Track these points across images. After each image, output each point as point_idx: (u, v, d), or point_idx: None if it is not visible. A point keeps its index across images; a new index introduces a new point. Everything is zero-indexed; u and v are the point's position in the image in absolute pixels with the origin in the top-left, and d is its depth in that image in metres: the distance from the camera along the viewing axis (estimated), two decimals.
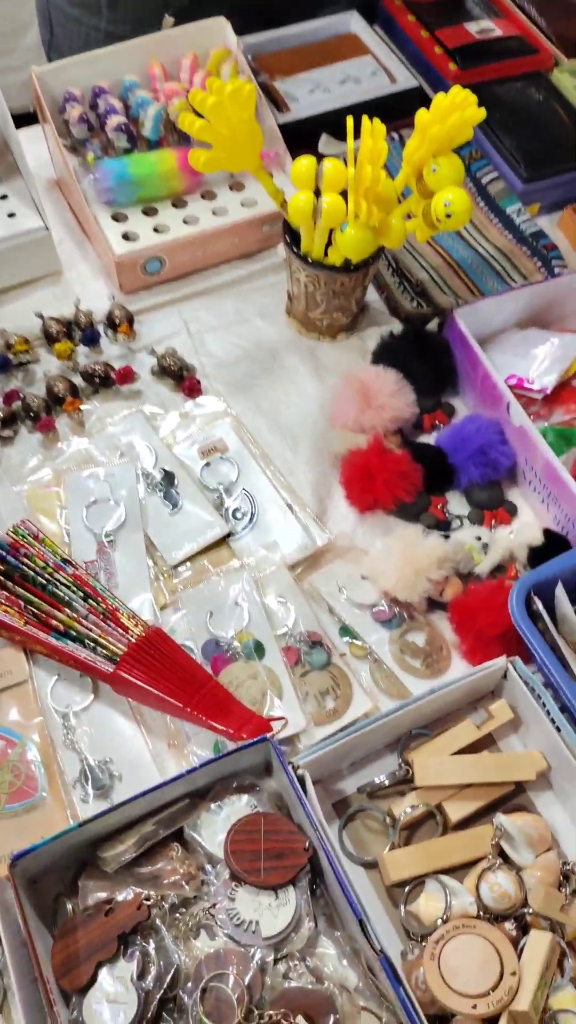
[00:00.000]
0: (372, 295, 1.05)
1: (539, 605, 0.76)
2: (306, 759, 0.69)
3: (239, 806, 0.69)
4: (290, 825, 0.67)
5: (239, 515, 0.89)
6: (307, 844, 0.66)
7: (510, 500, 0.91)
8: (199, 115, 0.85)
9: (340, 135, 1.13)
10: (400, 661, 0.79)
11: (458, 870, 0.69)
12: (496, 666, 0.74)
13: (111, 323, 0.99)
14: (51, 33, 1.34)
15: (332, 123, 1.12)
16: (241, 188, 1.07)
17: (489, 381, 0.91)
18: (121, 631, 0.78)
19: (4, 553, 0.82)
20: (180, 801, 0.70)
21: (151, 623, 0.80)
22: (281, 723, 0.73)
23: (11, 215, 1.01)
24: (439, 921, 0.66)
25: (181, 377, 0.97)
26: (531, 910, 0.66)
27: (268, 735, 0.69)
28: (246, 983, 0.61)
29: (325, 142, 1.12)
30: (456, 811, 0.71)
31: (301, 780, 0.68)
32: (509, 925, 0.66)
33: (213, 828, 0.68)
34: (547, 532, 0.85)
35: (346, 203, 0.86)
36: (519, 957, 0.64)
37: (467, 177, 1.13)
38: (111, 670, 0.76)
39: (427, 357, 0.96)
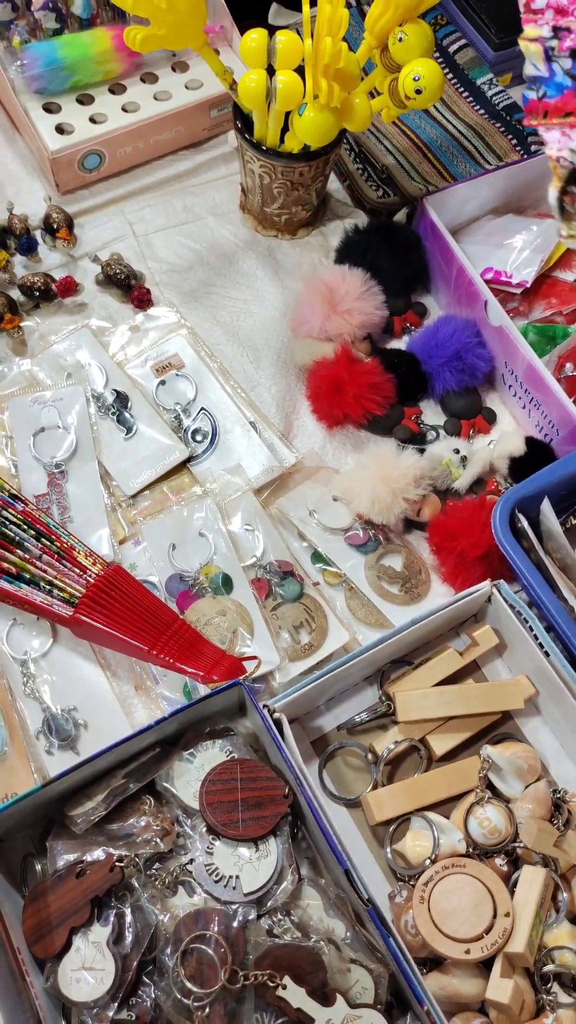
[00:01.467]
0: (334, 184, 0.93)
1: (523, 522, 0.68)
2: (282, 701, 0.62)
3: (213, 752, 0.63)
4: (267, 771, 0.61)
5: (199, 437, 0.79)
6: (286, 791, 0.60)
7: (488, 407, 0.82)
8: None
9: (292, 4, 0.98)
10: (377, 587, 0.72)
11: (445, 805, 0.64)
12: (480, 591, 0.67)
13: (49, 228, 0.86)
14: None
15: None
16: (185, 69, 0.93)
17: (464, 277, 0.80)
18: (78, 571, 0.70)
19: None
20: (150, 751, 0.63)
21: (110, 560, 0.72)
22: (254, 663, 0.66)
23: None
24: (427, 861, 0.60)
25: (129, 286, 0.86)
26: (523, 844, 0.61)
27: (240, 678, 0.62)
28: (228, 943, 0.55)
29: (275, 12, 0.97)
30: (441, 745, 0.65)
31: (277, 723, 0.61)
32: (500, 860, 0.61)
33: (187, 778, 0.61)
34: (529, 440, 0.76)
35: (303, 82, 0.73)
36: (512, 895, 0.59)
37: None
38: (70, 613, 0.68)
39: (395, 252, 0.84)
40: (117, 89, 0.91)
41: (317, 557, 0.73)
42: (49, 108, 0.89)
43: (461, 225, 0.88)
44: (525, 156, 0.91)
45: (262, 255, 0.89)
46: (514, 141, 0.93)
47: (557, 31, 0.57)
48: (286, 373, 0.83)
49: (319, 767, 0.65)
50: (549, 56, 0.57)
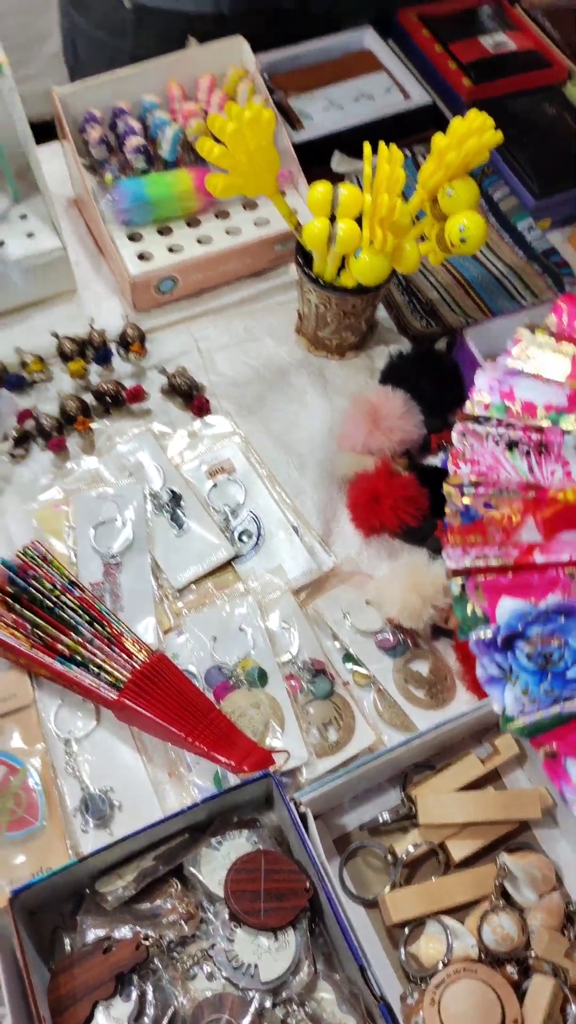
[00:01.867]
0: (381, 312, 1.00)
1: None
2: (308, 796, 0.65)
3: (239, 842, 0.65)
4: (290, 864, 0.63)
5: (245, 537, 0.84)
6: (308, 885, 0.62)
7: None
8: (218, 140, 0.80)
9: (353, 153, 1.08)
10: (404, 691, 0.75)
11: (460, 910, 0.65)
12: None
13: (124, 342, 0.94)
14: (75, 58, 1.30)
15: (346, 141, 1.06)
16: (254, 207, 1.02)
17: None
18: (125, 656, 0.74)
19: (13, 575, 0.78)
20: (180, 836, 0.66)
21: (155, 647, 0.76)
22: (283, 756, 0.69)
23: (30, 235, 0.96)
24: (440, 964, 0.61)
25: (191, 396, 0.93)
26: (534, 953, 0.61)
27: (270, 769, 0.65)
28: None
29: (338, 160, 1.06)
30: (459, 850, 0.67)
31: (303, 817, 0.64)
32: (511, 968, 0.62)
33: (213, 865, 0.64)
34: None
35: (361, 229, 0.81)
36: (521, 1003, 0.60)
37: None
38: (114, 697, 0.72)
39: (436, 377, 0.90)
40: (193, 223, 1.00)
41: (348, 658, 0.77)
42: (133, 237, 0.98)
43: (497, 356, 0.93)
44: (559, 295, 0.97)
45: (313, 373, 0.96)
46: (550, 281, 0.99)
47: (476, 484, 0.74)
48: (329, 483, 0.88)
49: (340, 865, 0.67)
50: (463, 493, 0.74)
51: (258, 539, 0.84)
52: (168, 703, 0.71)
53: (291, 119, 1.08)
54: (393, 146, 0.79)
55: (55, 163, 1.05)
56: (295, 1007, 0.59)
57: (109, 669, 0.73)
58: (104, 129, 1.01)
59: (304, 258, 0.90)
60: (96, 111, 1.01)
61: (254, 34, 1.05)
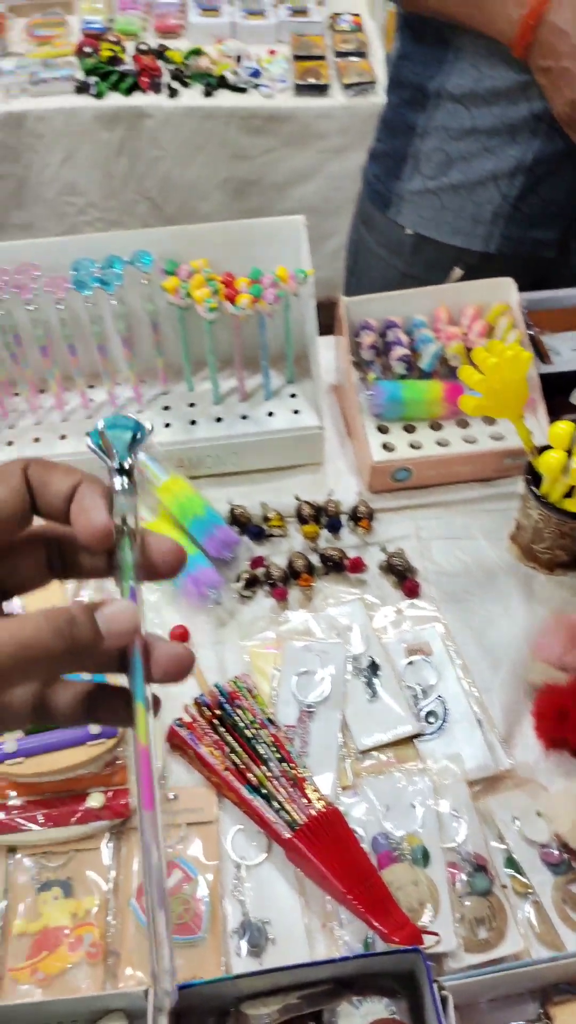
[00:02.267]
0: None
1: None
2: (451, 982, 0.68)
3: (378, 1007, 0.69)
4: None
5: (431, 718, 0.91)
6: None
7: None
8: (477, 369, 0.94)
9: None
10: (560, 910, 0.77)
11: None
12: None
13: (354, 516, 1.07)
14: (355, 263, 1.52)
15: None
16: (493, 423, 1.14)
17: None
18: (305, 801, 0.82)
19: (223, 699, 0.89)
20: (325, 983, 0.70)
21: (331, 801, 0.83)
22: (434, 939, 0.73)
23: (295, 411, 1.14)
24: None
25: (404, 577, 1.03)
26: None
27: (421, 947, 0.69)
28: None
29: None
30: None
31: (443, 1000, 0.67)
32: None
33: (350, 1021, 0.68)
34: None
35: None
36: None
37: None
38: (288, 836, 0.79)
39: None
40: (436, 426, 1.14)
41: (510, 862, 0.80)
42: (381, 428, 1.13)
43: None
44: None
45: (520, 580, 1.04)
46: None
47: None
48: (518, 686, 0.94)
49: None
50: None
51: (443, 723, 0.90)
52: (334, 856, 0.78)
53: (541, 353, 1.22)
54: None
55: (326, 353, 1.23)
56: None
57: (288, 809, 0.81)
58: (376, 336, 1.18)
59: (533, 476, 1.00)
60: (372, 320, 1.19)
61: (515, 272, 1.21)
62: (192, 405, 1.15)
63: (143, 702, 0.39)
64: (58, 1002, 0.71)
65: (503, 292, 1.20)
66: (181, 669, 0.40)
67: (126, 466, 0.42)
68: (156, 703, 0.42)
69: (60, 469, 0.42)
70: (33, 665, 0.37)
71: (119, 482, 0.42)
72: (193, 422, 1.13)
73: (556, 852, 0.80)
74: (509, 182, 1.24)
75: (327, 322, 1.20)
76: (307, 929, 0.77)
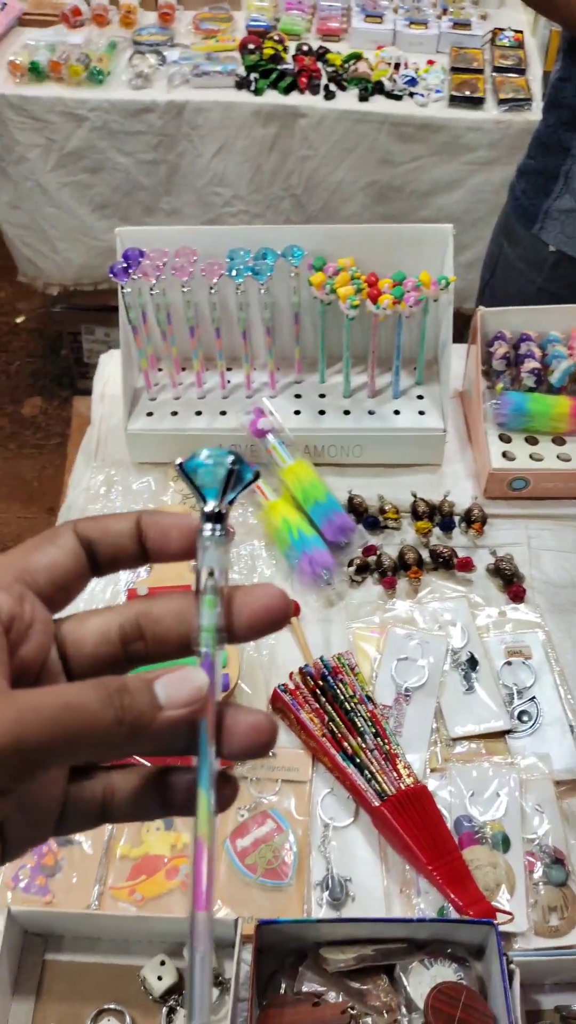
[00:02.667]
0: None
1: None
2: (520, 958, 0.73)
3: (447, 971, 0.74)
4: (487, 1010, 0.71)
5: (524, 718, 0.95)
6: None
7: None
8: None
9: None
10: None
11: None
12: None
13: (467, 518, 1.12)
14: (492, 275, 1.56)
15: None
16: None
17: None
18: (395, 775, 0.88)
19: (326, 671, 0.96)
20: (399, 942, 0.76)
21: (420, 779, 0.88)
22: (507, 917, 0.77)
23: (421, 412, 1.19)
24: None
25: (511, 582, 1.07)
26: None
27: (495, 921, 0.74)
28: None
29: None
30: None
31: (511, 973, 0.72)
32: None
33: (420, 979, 0.73)
34: None
35: None
36: None
37: None
38: (377, 804, 0.85)
39: None
40: (559, 441, 1.17)
41: None
42: (503, 438, 1.17)
43: None
44: None
45: None
46: None
47: None
48: None
49: None
50: None
51: (535, 723, 0.94)
52: (419, 828, 0.83)
53: None
54: None
55: (457, 360, 1.28)
56: None
57: (379, 779, 0.87)
58: (508, 348, 1.22)
59: None
60: (507, 332, 1.23)
61: None
62: (323, 396, 1.22)
63: (205, 789, 0.32)
64: (155, 919, 0.79)
65: None
66: (261, 742, 0.33)
67: (220, 509, 0.35)
68: (231, 787, 0.34)
69: (113, 516, 0.36)
70: (76, 738, 0.30)
71: (208, 528, 0.35)
72: (322, 412, 1.20)
73: None
74: None
75: (459, 330, 1.25)
76: (386, 892, 0.83)
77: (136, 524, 0.35)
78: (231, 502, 0.35)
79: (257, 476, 0.36)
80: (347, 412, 1.19)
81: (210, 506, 0.35)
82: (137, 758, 0.35)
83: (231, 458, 0.35)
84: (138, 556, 0.36)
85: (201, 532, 0.35)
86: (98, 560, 0.36)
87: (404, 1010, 0.73)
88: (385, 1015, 0.71)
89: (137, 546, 0.35)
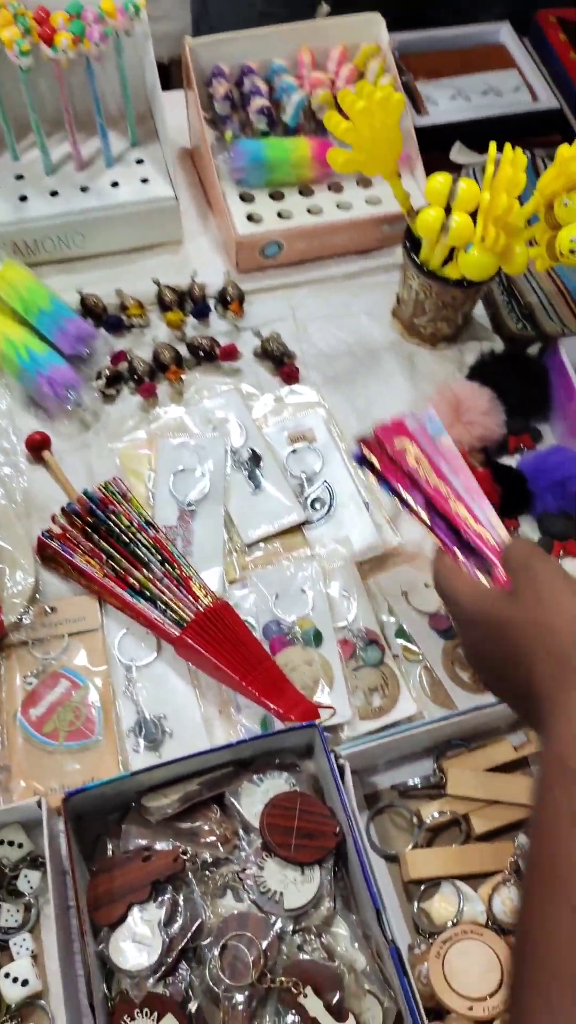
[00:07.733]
0: (478, 309, 1.07)
1: None
2: (348, 750, 0.73)
3: (278, 782, 0.74)
4: (324, 809, 0.72)
5: (317, 505, 0.92)
6: (337, 829, 0.70)
7: None
8: (344, 116, 0.87)
9: (472, 145, 1.15)
10: (450, 672, 0.83)
11: (474, 879, 0.73)
12: None
13: (223, 300, 1.03)
14: (203, 6, 1.37)
15: (467, 132, 1.13)
16: (368, 185, 1.09)
17: None
18: (191, 598, 0.83)
19: (93, 506, 0.87)
20: (225, 767, 0.74)
21: (219, 595, 0.84)
22: (329, 712, 0.77)
23: (144, 180, 1.05)
24: (449, 923, 0.70)
25: (281, 362, 1.01)
26: None
27: (317, 721, 0.73)
28: (263, 947, 0.65)
29: (457, 150, 1.13)
30: (481, 824, 0.75)
31: (341, 769, 0.72)
32: (514, 938, 0.70)
33: (252, 798, 0.72)
34: None
35: (474, 224, 0.88)
36: None
37: None
38: (177, 634, 0.80)
39: (523, 380, 0.98)
40: (306, 192, 1.08)
41: (401, 633, 0.85)
42: (244, 197, 1.06)
43: None
44: None
45: (403, 358, 1.03)
46: None
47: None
48: None
49: (368, 818, 0.76)
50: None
51: (329, 508, 0.92)
52: (226, 647, 0.80)
53: (416, 102, 1.15)
54: (518, 150, 0.86)
55: (175, 112, 1.12)
56: (312, 936, 0.67)
57: (175, 608, 0.82)
58: (230, 85, 1.08)
59: (412, 243, 0.97)
60: (225, 66, 1.09)
61: (387, 9, 1.12)
62: (20, 177, 1.04)
63: None
64: None
65: (371, 29, 1.11)
66: None
67: None
68: None
69: None
70: None
71: None
72: (23, 198, 1.02)
73: (445, 618, 0.85)
74: None
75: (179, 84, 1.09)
76: (204, 719, 0.80)
77: None
78: None
79: None
80: (55, 193, 1.03)
81: None
82: None
83: None
84: None
85: None
86: None
87: (242, 833, 0.72)
88: (221, 848, 0.70)
89: None
